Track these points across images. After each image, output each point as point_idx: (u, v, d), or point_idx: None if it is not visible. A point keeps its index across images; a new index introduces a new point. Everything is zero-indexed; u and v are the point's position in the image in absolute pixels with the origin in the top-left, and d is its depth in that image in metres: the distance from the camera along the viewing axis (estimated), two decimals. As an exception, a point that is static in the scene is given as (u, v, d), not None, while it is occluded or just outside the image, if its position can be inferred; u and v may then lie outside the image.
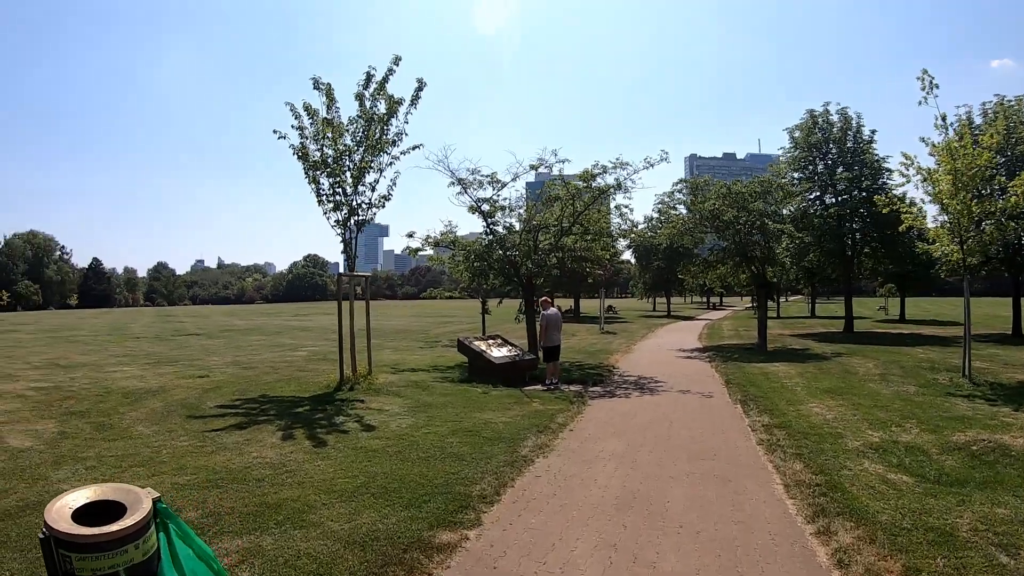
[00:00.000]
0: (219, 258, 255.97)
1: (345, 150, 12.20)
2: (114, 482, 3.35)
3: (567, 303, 61.97)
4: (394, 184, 12.98)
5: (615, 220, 17.66)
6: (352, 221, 12.54)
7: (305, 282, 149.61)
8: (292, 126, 12.23)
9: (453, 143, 17.23)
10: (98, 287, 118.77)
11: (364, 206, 12.59)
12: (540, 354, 13.41)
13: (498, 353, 13.09)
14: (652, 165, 15.93)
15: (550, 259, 16.63)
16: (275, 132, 12.17)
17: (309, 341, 24.77)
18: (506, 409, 9.90)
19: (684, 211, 22.14)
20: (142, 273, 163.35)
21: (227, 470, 6.37)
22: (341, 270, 13.13)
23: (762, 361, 16.85)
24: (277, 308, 77.38)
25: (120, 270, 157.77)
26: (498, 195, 16.06)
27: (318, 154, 12.19)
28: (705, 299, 79.36)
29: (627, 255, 55.65)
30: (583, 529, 5.01)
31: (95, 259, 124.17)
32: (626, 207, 16.98)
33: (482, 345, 13.36)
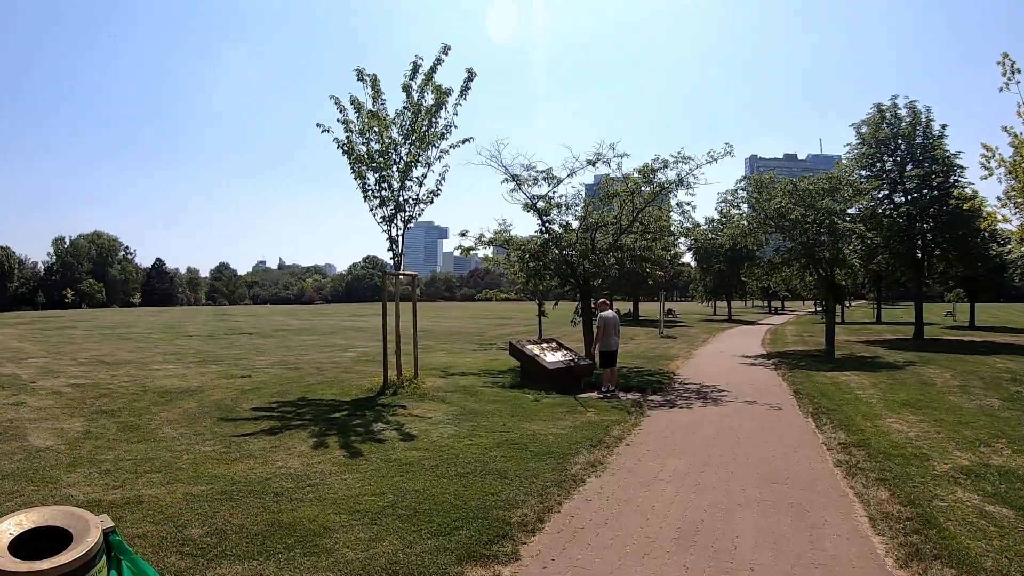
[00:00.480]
0: (280, 259, 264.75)
1: (391, 143, 11.83)
2: (66, 505, 2.88)
3: (626, 306, 61.34)
4: (443, 179, 12.61)
5: (676, 218, 16.76)
6: (398, 217, 12.15)
7: (364, 283, 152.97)
8: (337, 120, 11.97)
9: (506, 137, 16.01)
10: (160, 286, 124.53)
11: (411, 202, 12.19)
12: (596, 359, 12.67)
13: (552, 358, 12.46)
14: (715, 159, 15.05)
15: (608, 259, 15.88)
16: (318, 126, 11.92)
17: (360, 342, 24.77)
18: (558, 419, 9.27)
19: (747, 209, 21.29)
20: (204, 273, 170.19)
21: (246, 481, 6.02)
22: (390, 269, 12.79)
23: (831, 370, 15.94)
24: (335, 308, 79.04)
25: (183, 270, 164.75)
26: (554, 192, 15.49)
27: (363, 148, 11.86)
28: (766, 303, 78.36)
29: (687, 257, 54.73)
30: (637, 570, 4.32)
31: (158, 259, 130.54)
32: (688, 204, 16.09)
33: (535, 349, 12.76)
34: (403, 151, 11.98)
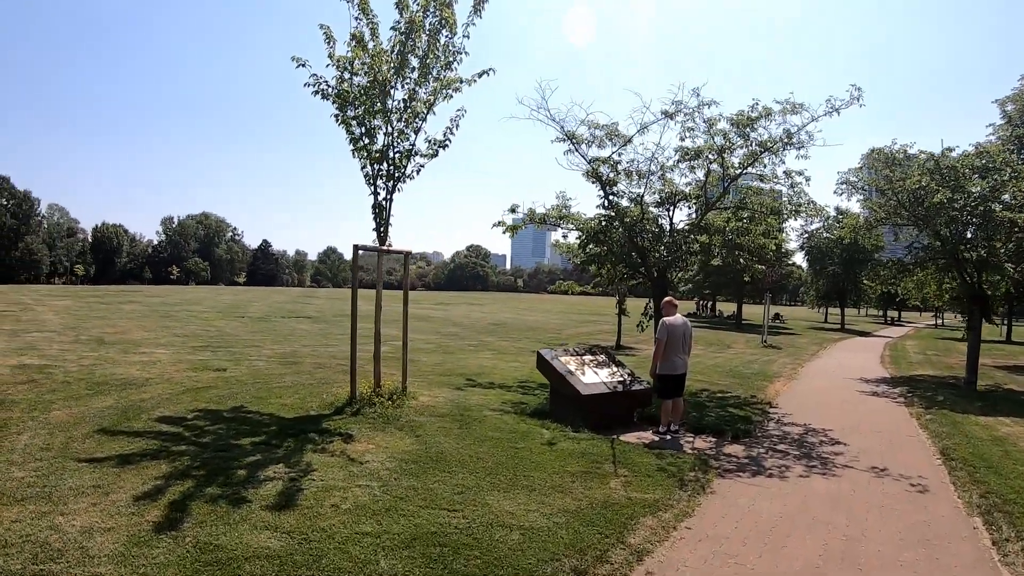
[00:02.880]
0: (388, 245, 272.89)
1: (380, 79, 8.93)
2: None
3: (729, 307, 56.39)
4: (455, 127, 9.68)
5: (783, 190, 12.61)
6: (382, 173, 9.29)
7: (466, 272, 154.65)
8: (328, 56, 9.17)
9: (553, 79, 12.24)
10: (265, 267, 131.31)
11: (404, 154, 9.31)
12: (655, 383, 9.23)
13: (590, 378, 9.10)
14: (837, 110, 10.97)
15: (691, 244, 12.15)
16: (293, 59, 9.05)
17: (411, 333, 22.30)
18: (559, 489, 5.99)
19: (872, 195, 17.32)
20: (312, 256, 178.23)
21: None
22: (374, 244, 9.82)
23: (982, 411, 11.80)
24: (429, 296, 78.39)
25: (292, 253, 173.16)
26: (620, 154, 11.98)
27: (343, 84, 9.10)
28: (882, 312, 74.62)
29: (799, 258, 50.11)
30: None
31: (264, 240, 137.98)
32: (799, 175, 11.98)
33: (571, 364, 9.45)
34: (395, 86, 9.11)
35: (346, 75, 9.08)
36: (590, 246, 12.36)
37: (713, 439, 8.57)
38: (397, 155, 9.33)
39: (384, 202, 9.42)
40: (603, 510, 5.43)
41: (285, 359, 14.10)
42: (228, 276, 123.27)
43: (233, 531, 4.61)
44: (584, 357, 9.92)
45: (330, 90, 9.05)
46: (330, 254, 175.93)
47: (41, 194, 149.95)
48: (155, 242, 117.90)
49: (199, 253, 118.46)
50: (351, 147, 9.26)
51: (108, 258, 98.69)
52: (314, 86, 9.03)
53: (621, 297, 14.27)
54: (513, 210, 13.12)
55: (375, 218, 9.43)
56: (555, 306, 57.08)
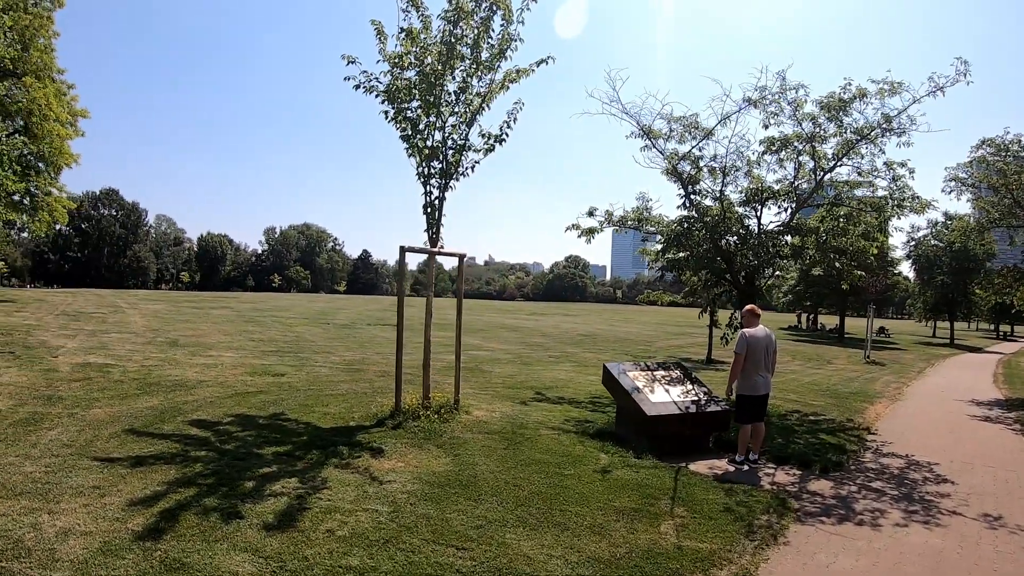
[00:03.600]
0: (489, 255, 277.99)
1: (431, 72, 8.47)
2: None
3: (831, 320, 52.53)
4: (512, 120, 9.05)
5: (881, 183, 11.05)
6: (434, 171, 8.81)
7: (565, 282, 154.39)
8: (379, 52, 8.86)
9: (624, 68, 11.36)
10: (365, 276, 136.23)
11: (457, 149, 8.79)
12: (731, 402, 8.19)
13: (659, 397, 8.16)
14: (941, 89, 9.61)
15: (780, 246, 10.92)
16: (343, 57, 8.77)
17: (493, 343, 21.96)
18: (597, 528, 5.18)
19: (985, 193, 15.51)
20: (412, 267, 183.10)
21: None
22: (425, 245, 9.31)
23: None
24: (525, 306, 78.16)
25: (391, 262, 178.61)
26: (701, 148, 10.98)
27: (391, 80, 8.76)
28: (994, 326, 72.16)
29: (905, 268, 47.11)
30: None
31: (364, 250, 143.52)
32: (901, 166, 10.45)
33: (639, 379, 8.55)
34: (445, 77, 8.63)
35: (396, 71, 8.69)
36: (670, 251, 11.40)
37: (798, 472, 7.43)
38: (450, 151, 8.82)
39: (436, 201, 8.91)
40: (642, 562, 4.55)
41: (351, 366, 13.96)
42: (329, 284, 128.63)
43: (209, 550, 4.28)
44: (656, 373, 8.96)
45: (380, 86, 8.67)
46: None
47: (149, 206, 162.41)
48: (259, 251, 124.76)
49: (300, 262, 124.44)
50: (405, 145, 8.85)
51: (212, 266, 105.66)
52: (365, 84, 8.68)
53: (707, 305, 13.04)
54: (591, 213, 12.35)
55: (427, 219, 8.93)
56: (652, 318, 55.30)
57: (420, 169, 8.85)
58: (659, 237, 11.82)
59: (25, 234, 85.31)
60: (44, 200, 26.71)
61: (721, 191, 11.18)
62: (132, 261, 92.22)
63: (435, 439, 7.53)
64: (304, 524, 4.82)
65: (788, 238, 11.06)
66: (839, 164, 10.51)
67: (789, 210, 10.98)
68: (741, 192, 11.39)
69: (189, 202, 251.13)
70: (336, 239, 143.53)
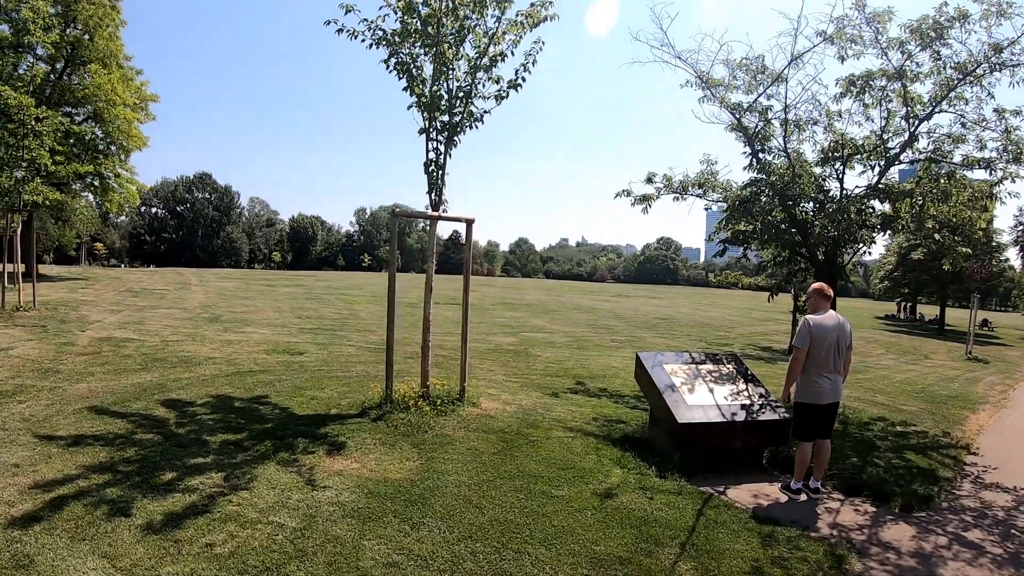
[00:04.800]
0: (582, 237, 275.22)
1: (431, 14, 7.39)
2: None
3: (931, 311, 47.89)
4: (531, 63, 7.83)
5: (991, 137, 8.86)
6: (435, 122, 7.69)
7: (656, 264, 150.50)
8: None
9: (670, 1, 9.84)
10: (456, 256, 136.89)
11: (463, 97, 7.66)
12: (789, 409, 6.56)
13: (699, 398, 6.75)
14: None
15: (866, 214, 9.09)
16: (341, 7, 7.67)
17: (559, 324, 20.78)
18: None
19: None
20: (504, 248, 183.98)
21: None
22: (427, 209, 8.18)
23: None
24: (613, 288, 75.88)
25: (483, 243, 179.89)
26: (769, 96, 9.33)
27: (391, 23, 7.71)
28: None
29: (1012, 255, 41.92)
30: None
31: (455, 231, 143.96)
32: (1015, 114, 8.22)
33: (678, 375, 7.17)
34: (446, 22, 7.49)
35: (398, 14, 7.59)
36: (735, 221, 9.84)
37: (870, 508, 5.76)
38: (455, 99, 7.68)
39: (439, 157, 7.81)
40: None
41: (382, 347, 13.15)
42: (419, 265, 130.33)
43: (67, 550, 3.85)
44: (701, 367, 7.51)
45: (379, 32, 7.59)
46: (521, 244, 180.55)
47: (242, 189, 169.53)
48: (350, 232, 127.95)
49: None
50: (409, 96, 7.76)
51: (304, 246, 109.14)
52: (362, 34, 7.61)
53: (776, 287, 11.26)
54: (650, 179, 10.93)
55: (428, 178, 7.85)
56: (739, 302, 51.89)
57: (424, 124, 7.77)
58: (724, 206, 10.29)
59: (123, 218, 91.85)
60: (117, 181, 27.83)
61: (785, 147, 9.48)
62: (225, 242, 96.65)
63: (415, 436, 6.55)
64: (188, 532, 4.12)
65: (876, 204, 9.24)
66: (937, 110, 8.58)
67: (877, 167, 9.16)
68: (819, 150, 9.65)
69: (282, 186, 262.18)
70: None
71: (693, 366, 7.47)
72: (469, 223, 8.11)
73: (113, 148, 27.41)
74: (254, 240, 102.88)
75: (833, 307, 6.41)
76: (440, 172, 7.83)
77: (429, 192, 7.86)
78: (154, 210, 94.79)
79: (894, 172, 9.44)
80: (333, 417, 7.12)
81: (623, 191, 10.70)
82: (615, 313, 29.71)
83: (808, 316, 6.06)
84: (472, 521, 4.67)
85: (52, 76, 25.93)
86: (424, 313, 8.04)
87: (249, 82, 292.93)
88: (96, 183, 27.25)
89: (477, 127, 7.89)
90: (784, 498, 5.84)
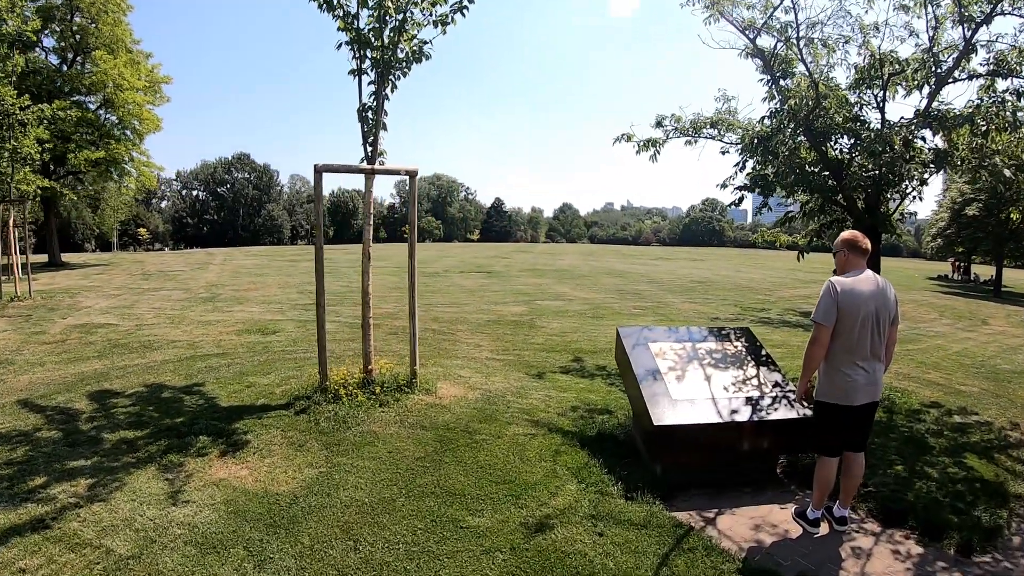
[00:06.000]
0: (627, 201, 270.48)
1: None
2: None
3: (987, 271, 43.77)
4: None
5: None
6: (366, 56, 6.39)
7: (702, 226, 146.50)
8: None
9: None
10: (499, 224, 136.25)
11: (396, 28, 6.32)
12: (806, 407, 4.87)
13: (689, 390, 5.30)
14: None
15: (914, 148, 7.34)
16: None
17: (583, 291, 19.36)
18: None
19: None
20: (548, 213, 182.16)
21: None
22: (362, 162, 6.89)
23: None
24: (655, 251, 73.51)
25: (527, 210, 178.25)
26: (790, 9, 7.71)
27: None
28: None
29: None
30: None
31: (497, 199, 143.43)
32: None
33: (667, 356, 5.77)
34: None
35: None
36: (750, 163, 8.27)
37: (917, 548, 4.12)
38: (390, 31, 6.32)
39: (372, 102, 6.48)
40: None
41: (374, 320, 12.09)
42: (462, 234, 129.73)
43: None
44: (701, 345, 6.01)
45: None
46: (565, 210, 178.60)
47: (282, 167, 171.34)
48: (393, 204, 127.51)
49: (432, 212, 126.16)
50: (345, 36, 6.45)
51: (344, 220, 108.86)
52: None
53: (807, 244, 9.55)
54: (660, 123, 9.42)
55: (362, 126, 6.56)
56: (785, 263, 49.04)
57: (354, 63, 6.45)
58: (725, 148, 8.75)
59: (165, 203, 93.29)
60: (133, 165, 27.73)
61: (810, 71, 7.80)
62: (266, 220, 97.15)
63: (334, 434, 5.45)
64: (11, 553, 3.58)
65: (927, 136, 7.51)
66: (998, 11, 6.80)
67: (927, 87, 7.42)
68: (854, 71, 7.93)
69: (326, 158, 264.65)
70: (468, 188, 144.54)
71: (689, 345, 5.98)
72: (412, 175, 6.78)
73: (128, 133, 27.39)
74: (295, 217, 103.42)
75: (875, 268, 4.76)
76: (376, 119, 6.51)
77: (364, 142, 6.56)
78: (195, 193, 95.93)
79: (950, 94, 7.67)
80: (256, 409, 6.10)
81: (623, 135, 9.22)
82: (649, 277, 28.05)
83: (834, 278, 4.26)
84: (337, 560, 3.55)
85: (64, 66, 26.29)
86: (363, 284, 6.83)
87: (285, 60, 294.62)
88: (112, 169, 27.01)
89: (419, 62, 6.53)
90: (796, 531, 4.28)
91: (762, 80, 8.07)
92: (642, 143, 9.20)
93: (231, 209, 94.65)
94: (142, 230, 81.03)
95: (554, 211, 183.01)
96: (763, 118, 8.10)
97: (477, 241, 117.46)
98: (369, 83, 6.54)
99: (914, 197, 8.25)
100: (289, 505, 4.16)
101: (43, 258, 29.54)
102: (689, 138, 9.34)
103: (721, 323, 14.01)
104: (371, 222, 6.85)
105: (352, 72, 6.46)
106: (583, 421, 6.14)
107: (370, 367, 6.63)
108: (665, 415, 4.86)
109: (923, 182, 7.84)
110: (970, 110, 7.04)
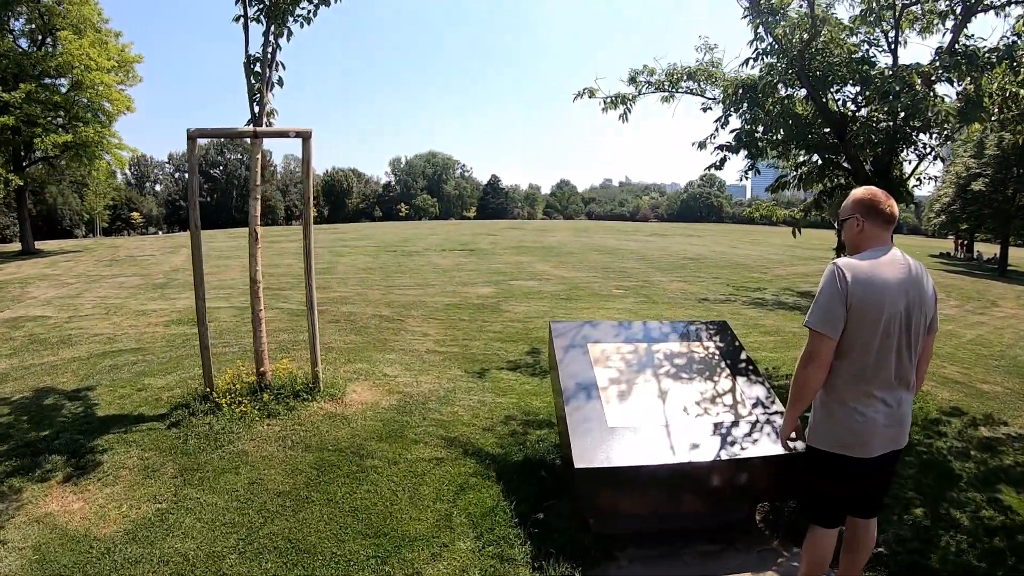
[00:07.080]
0: (626, 176, 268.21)
1: None
2: None
3: (991, 248, 41.75)
4: None
5: None
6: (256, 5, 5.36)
7: (700, 201, 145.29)
8: None
9: None
10: (495, 201, 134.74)
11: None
12: (793, 451, 3.46)
13: (631, 411, 4.10)
14: None
15: (933, 95, 5.87)
16: None
17: (564, 269, 18.29)
18: None
19: None
20: (545, 190, 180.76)
21: None
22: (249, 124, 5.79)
23: None
24: (650, 227, 71.86)
25: (524, 187, 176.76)
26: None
27: None
28: None
29: None
30: None
31: (493, 175, 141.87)
32: None
33: (609, 362, 4.60)
34: None
35: None
36: (734, 118, 7.13)
37: None
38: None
39: (258, 54, 5.40)
40: None
41: (319, 307, 11.08)
42: (458, 211, 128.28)
43: None
44: (658, 346, 4.78)
45: None
46: (563, 186, 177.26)
47: (275, 149, 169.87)
48: (388, 182, 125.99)
49: (427, 190, 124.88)
50: None
51: (339, 200, 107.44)
52: None
53: (803, 215, 8.44)
54: (633, 79, 8.32)
55: (248, 83, 5.49)
56: (784, 239, 47.84)
57: (240, 8, 5.38)
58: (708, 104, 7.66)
59: (159, 187, 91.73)
60: (105, 148, 26.70)
61: (831, 13, 6.61)
62: (260, 201, 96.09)
63: (198, 455, 4.56)
64: None
65: (950, 77, 6.10)
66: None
67: (950, 20, 6.20)
68: (858, 2, 6.70)
69: (318, 140, 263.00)
70: (464, 166, 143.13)
71: (643, 346, 4.72)
72: (305, 137, 5.67)
73: (100, 116, 26.21)
74: (289, 197, 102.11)
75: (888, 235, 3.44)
76: (268, 73, 5.42)
77: (250, 101, 5.49)
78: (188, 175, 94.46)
79: (978, 27, 6.39)
80: (131, 420, 5.24)
81: (584, 90, 8.02)
82: (640, 254, 26.96)
83: (842, 260, 2.83)
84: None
85: (34, 49, 25.13)
86: (250, 270, 5.79)
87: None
88: (82, 153, 25.93)
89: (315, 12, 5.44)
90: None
91: (746, 17, 6.83)
92: (609, 100, 8.09)
93: (224, 191, 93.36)
94: (135, 214, 79.69)
95: (551, 188, 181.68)
96: (747, 60, 6.85)
97: (473, 219, 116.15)
98: (263, 34, 5.47)
99: (935, 157, 7.02)
100: (101, 557, 3.30)
101: (16, 247, 28.58)
102: (665, 93, 8.27)
103: (709, 305, 12.98)
104: (258, 195, 5.81)
105: (236, 18, 5.38)
106: (512, 439, 5.07)
107: (263, 369, 5.63)
108: (594, 453, 3.54)
109: (949, 137, 6.67)
110: (1004, 46, 5.80)
